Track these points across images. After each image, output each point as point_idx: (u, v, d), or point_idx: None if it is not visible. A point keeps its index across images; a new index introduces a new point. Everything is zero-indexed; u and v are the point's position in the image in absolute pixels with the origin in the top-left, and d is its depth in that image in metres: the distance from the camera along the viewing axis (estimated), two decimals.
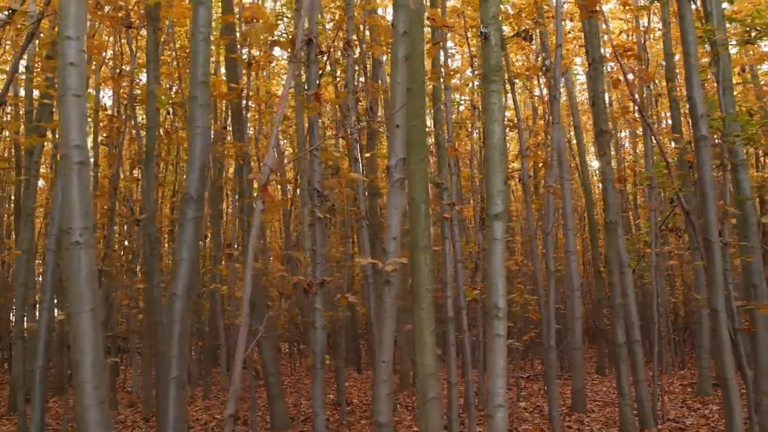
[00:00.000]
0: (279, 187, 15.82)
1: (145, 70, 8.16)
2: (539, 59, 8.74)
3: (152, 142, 6.84)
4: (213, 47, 10.66)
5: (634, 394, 7.32)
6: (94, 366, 3.29)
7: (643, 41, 10.19)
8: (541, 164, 10.79)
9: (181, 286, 3.83)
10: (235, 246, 8.80)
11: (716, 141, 6.04)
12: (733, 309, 5.05)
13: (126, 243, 13.96)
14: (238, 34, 8.53)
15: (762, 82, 15.92)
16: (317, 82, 10.26)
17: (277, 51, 16.47)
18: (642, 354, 7.23)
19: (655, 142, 8.52)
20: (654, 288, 7.90)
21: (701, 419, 7.79)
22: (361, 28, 9.71)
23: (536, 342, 13.28)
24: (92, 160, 13.22)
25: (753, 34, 5.35)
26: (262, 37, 4.57)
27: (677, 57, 9.93)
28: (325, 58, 8.99)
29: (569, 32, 12.48)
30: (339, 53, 10.33)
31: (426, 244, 3.37)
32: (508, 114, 12.02)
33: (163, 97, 7.03)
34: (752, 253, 5.71)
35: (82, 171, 3.45)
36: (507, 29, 10.90)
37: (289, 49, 3.96)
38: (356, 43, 9.31)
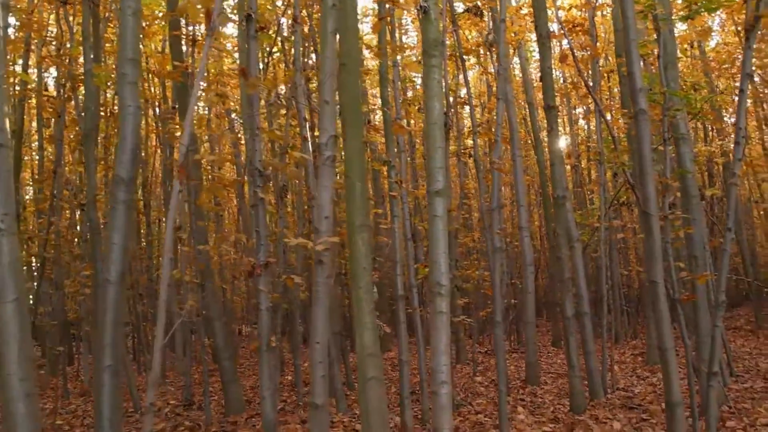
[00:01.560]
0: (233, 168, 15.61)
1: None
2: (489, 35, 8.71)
3: (91, 123, 6.61)
4: (161, 24, 10.37)
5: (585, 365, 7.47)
6: (20, 358, 3.18)
7: (593, 17, 10.22)
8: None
9: (114, 272, 3.72)
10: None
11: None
12: (674, 280, 5.15)
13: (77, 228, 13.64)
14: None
15: (710, 58, 16.21)
16: (266, 60, 10.05)
17: (230, 28, 16.11)
18: (591, 326, 7.34)
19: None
20: (603, 261, 8.01)
21: (648, 387, 7.96)
22: (313, 4, 9.53)
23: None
24: (38, 143, 12.84)
25: (693, 8, 5.38)
26: (199, 8, 4.39)
27: None
28: (272, 34, 8.81)
29: (521, 7, 12.47)
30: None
31: (363, 222, 3.32)
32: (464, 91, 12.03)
33: (102, 75, 6.76)
34: (694, 225, 5.81)
35: (2, 154, 3.29)
36: (459, 5, 10.84)
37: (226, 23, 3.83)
38: (305, 19, 9.13)
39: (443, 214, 4.06)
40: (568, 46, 6.39)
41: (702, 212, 6.57)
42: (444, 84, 7.16)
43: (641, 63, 4.66)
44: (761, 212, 20.54)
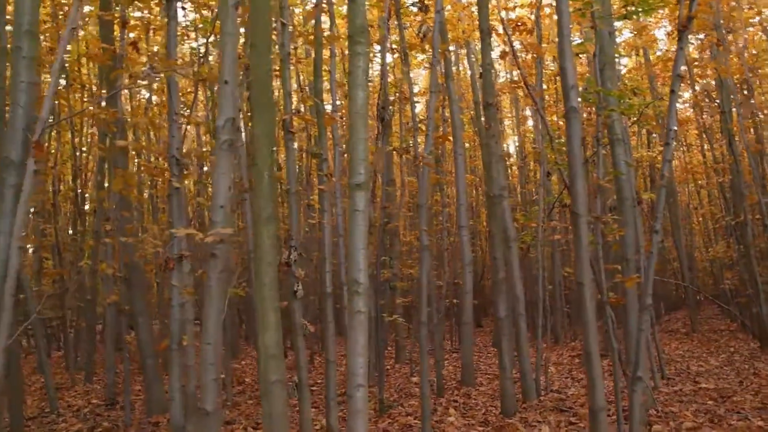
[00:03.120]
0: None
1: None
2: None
3: None
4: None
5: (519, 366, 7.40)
6: None
7: (538, 16, 10.18)
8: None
9: None
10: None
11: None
12: (602, 283, 5.07)
13: None
14: None
15: (654, 64, 16.44)
16: (206, 48, 9.67)
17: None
18: (526, 328, 7.26)
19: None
20: (540, 263, 7.94)
21: (582, 389, 7.93)
22: None
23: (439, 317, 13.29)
24: None
25: (629, 9, 5.31)
26: None
27: None
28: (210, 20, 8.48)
29: (472, 5, 12.38)
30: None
31: (270, 215, 3.10)
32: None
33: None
34: (626, 227, 5.75)
35: None
36: None
37: None
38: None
39: (364, 208, 3.87)
40: (509, 43, 6.28)
41: (637, 215, 6.54)
42: (386, 77, 6.97)
43: (574, 63, 4.55)
44: (700, 218, 21.01)
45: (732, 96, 12.03)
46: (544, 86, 12.11)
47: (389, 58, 13.16)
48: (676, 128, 4.49)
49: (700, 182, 19.25)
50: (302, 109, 10.50)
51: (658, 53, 17.86)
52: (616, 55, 7.01)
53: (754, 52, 14.86)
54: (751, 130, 13.52)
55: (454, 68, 14.11)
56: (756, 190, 11.06)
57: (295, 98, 10.35)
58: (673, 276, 18.82)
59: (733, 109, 12.09)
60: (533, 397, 7.31)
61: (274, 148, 4.07)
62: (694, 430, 5.62)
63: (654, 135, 17.78)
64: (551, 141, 6.38)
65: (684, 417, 6.11)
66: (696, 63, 14.48)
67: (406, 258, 13.64)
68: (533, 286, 13.06)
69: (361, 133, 3.87)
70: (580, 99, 4.72)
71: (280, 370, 3.13)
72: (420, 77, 20.06)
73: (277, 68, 5.79)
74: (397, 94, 9.97)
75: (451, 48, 13.33)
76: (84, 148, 13.02)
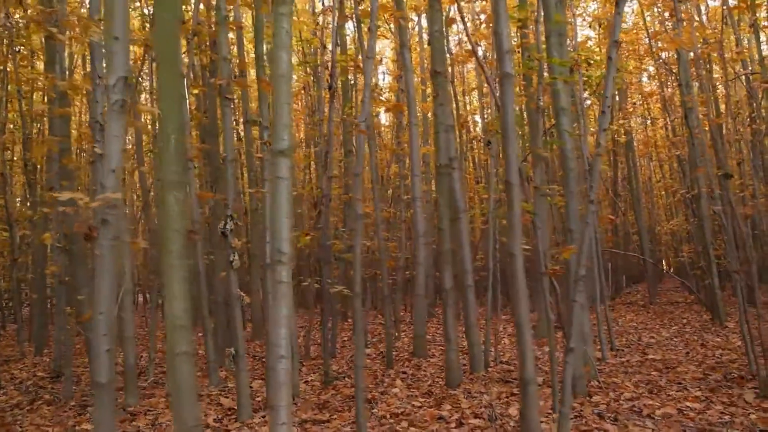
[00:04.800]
0: None
1: None
2: None
3: None
4: None
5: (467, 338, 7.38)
6: None
7: None
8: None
9: None
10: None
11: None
12: (541, 253, 5.03)
13: None
14: None
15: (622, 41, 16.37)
16: None
17: None
18: (474, 299, 7.23)
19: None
20: (491, 233, 7.89)
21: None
22: None
23: (394, 288, 13.26)
24: None
25: None
26: None
27: None
28: None
29: None
30: None
31: (176, 179, 2.95)
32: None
33: None
34: (570, 198, 5.71)
35: None
36: None
37: None
38: None
39: (287, 175, 3.74)
40: (459, 11, 6.14)
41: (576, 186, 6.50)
42: (335, 45, 6.79)
43: (509, 27, 4.42)
44: (663, 192, 21.23)
45: (692, 69, 12.01)
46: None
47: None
48: (611, 96, 4.40)
49: (662, 155, 19.40)
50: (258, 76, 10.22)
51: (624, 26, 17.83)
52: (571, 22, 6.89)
53: (713, 25, 14.88)
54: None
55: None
56: (711, 163, 11.13)
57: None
58: (635, 249, 19.01)
59: (695, 84, 12.11)
60: (481, 369, 7.31)
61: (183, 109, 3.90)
62: (632, 401, 5.64)
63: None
64: (498, 109, 6.29)
65: (624, 388, 6.15)
66: (658, 36, 14.45)
67: (368, 230, 13.55)
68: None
69: (284, 98, 3.72)
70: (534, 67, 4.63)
71: (188, 341, 3.01)
72: (388, 48, 19.80)
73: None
74: (352, 64, 9.76)
75: (414, 17, 13.14)
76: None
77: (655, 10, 15.17)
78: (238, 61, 8.06)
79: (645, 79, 19.72)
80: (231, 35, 11.02)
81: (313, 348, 9.54)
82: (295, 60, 13.19)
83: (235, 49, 10.09)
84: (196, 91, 8.45)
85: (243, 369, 5.61)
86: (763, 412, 5.15)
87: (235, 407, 5.86)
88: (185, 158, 3.77)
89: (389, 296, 8.83)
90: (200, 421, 3.27)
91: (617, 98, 16.94)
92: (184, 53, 7.69)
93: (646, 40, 15.22)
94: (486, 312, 8.00)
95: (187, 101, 6.69)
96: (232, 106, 5.43)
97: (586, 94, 13.06)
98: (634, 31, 17.13)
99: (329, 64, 8.92)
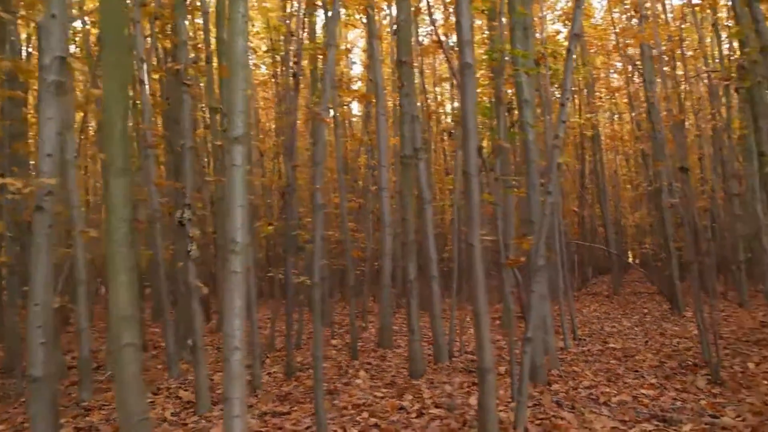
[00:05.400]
0: None
1: None
2: None
3: None
4: None
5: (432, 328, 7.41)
6: None
7: None
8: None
9: None
10: None
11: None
12: (502, 244, 5.05)
13: None
14: None
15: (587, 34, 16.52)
16: None
17: None
18: (438, 290, 7.25)
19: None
20: (455, 224, 7.91)
21: (496, 350, 8.02)
22: None
23: (361, 279, 13.24)
24: None
25: None
26: None
27: None
28: None
29: None
30: None
31: (123, 166, 2.89)
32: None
33: None
34: (531, 189, 5.74)
35: None
36: None
37: None
38: None
39: (242, 163, 3.70)
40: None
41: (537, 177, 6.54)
42: (300, 32, 6.72)
43: (471, 17, 4.42)
44: (628, 186, 21.54)
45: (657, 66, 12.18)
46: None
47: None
48: (570, 89, 4.44)
49: (627, 150, 19.67)
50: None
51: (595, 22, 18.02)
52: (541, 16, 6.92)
53: (678, 24, 15.08)
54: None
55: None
56: (674, 157, 11.32)
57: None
58: (601, 241, 19.26)
59: (658, 80, 12.27)
60: (445, 359, 7.36)
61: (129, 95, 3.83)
62: (590, 389, 5.73)
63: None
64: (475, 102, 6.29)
65: (584, 377, 6.24)
66: (624, 33, 14.60)
67: (332, 220, 13.51)
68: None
69: (240, 84, 3.71)
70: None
71: (133, 332, 2.97)
72: (361, 39, 19.70)
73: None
74: (321, 52, 9.68)
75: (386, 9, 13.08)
76: None
77: (623, 6, 15.33)
78: (204, 46, 7.96)
79: (613, 75, 19.98)
80: (199, 21, 10.86)
81: (280, 339, 9.50)
82: (263, 47, 13.07)
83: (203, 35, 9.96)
84: (157, 76, 8.30)
85: (201, 361, 5.56)
86: (713, 397, 5.27)
87: (194, 400, 5.80)
88: (128, 145, 3.70)
89: (354, 287, 8.82)
90: (147, 413, 3.22)
91: (585, 93, 17.12)
92: (147, 37, 7.56)
93: (614, 36, 15.40)
94: (453, 302, 8.03)
95: (147, 86, 6.56)
96: (198, 91, 5.35)
97: (554, 88, 13.18)
98: (603, 27, 17.31)
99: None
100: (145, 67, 6.67)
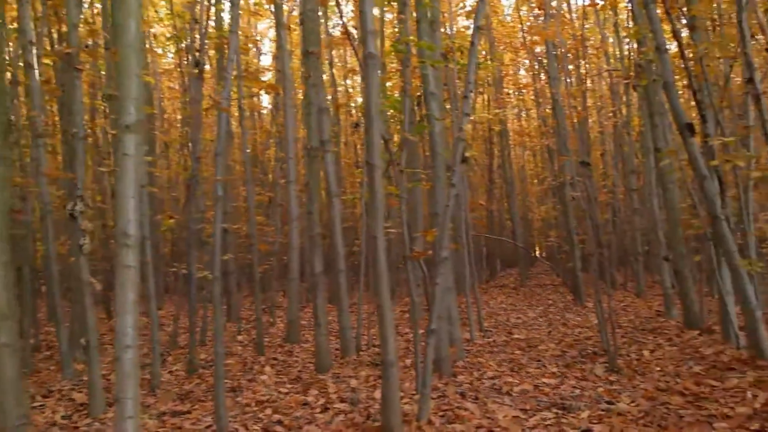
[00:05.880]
0: None
1: None
2: None
3: None
4: None
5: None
6: None
7: None
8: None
9: None
10: None
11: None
12: (407, 236, 5.05)
13: None
14: None
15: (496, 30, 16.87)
16: None
17: None
18: (345, 283, 7.20)
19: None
20: (364, 217, 7.87)
21: (404, 343, 8.07)
22: None
23: (269, 274, 13.03)
24: None
25: None
26: None
27: None
28: None
29: None
30: None
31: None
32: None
33: None
34: (436, 182, 5.77)
35: None
36: None
37: None
38: None
39: (135, 152, 3.51)
40: None
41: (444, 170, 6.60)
42: (202, 20, 6.48)
43: (373, 6, 4.37)
44: (535, 180, 22.23)
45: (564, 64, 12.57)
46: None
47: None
48: (474, 81, 4.47)
49: (535, 145, 20.28)
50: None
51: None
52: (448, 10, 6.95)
53: (582, 24, 15.62)
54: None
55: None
56: (578, 153, 11.72)
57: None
58: (509, 235, 19.79)
59: (564, 78, 12.68)
60: (352, 353, 7.32)
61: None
62: (494, 379, 5.82)
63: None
64: (386, 95, 6.27)
65: (488, 367, 6.34)
66: (531, 31, 15.01)
67: (242, 213, 13.22)
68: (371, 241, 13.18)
69: (132, 69, 3.50)
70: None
71: (11, 332, 2.75)
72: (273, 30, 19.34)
73: None
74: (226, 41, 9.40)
75: None
76: None
77: (530, 5, 15.75)
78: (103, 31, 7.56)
79: (521, 71, 20.54)
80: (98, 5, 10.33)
81: (184, 336, 9.21)
82: (167, 34, 12.60)
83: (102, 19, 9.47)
84: (47, 61, 7.82)
85: (95, 361, 5.28)
86: (610, 384, 5.47)
87: (88, 402, 5.50)
88: (21, 132, 3.44)
89: (261, 281, 8.64)
90: (27, 418, 3.00)
91: (493, 89, 17.50)
92: (37, 19, 7.11)
93: (521, 34, 15.80)
94: (366, 297, 8.00)
95: (37, 71, 6.16)
96: (96, 79, 5.04)
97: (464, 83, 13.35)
98: (511, 24, 17.75)
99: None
100: (34, 51, 6.25)
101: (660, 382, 5.39)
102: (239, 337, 9.29)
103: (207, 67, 12.70)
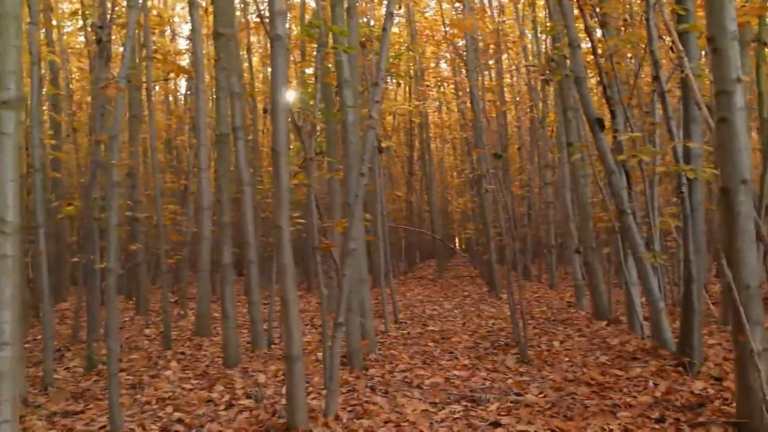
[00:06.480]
0: None
1: None
2: None
3: None
4: None
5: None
6: None
7: None
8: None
9: None
10: None
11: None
12: (314, 227, 4.91)
13: None
14: None
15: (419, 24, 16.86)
16: None
17: None
18: (256, 275, 6.98)
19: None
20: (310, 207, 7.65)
21: (318, 336, 7.91)
22: None
23: (181, 265, 12.58)
24: None
25: None
26: None
27: None
28: None
29: None
30: None
31: None
32: None
33: None
34: (348, 171, 5.65)
35: None
36: None
37: None
38: None
39: (13, 131, 3.23)
40: None
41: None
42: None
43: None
44: (455, 173, 22.47)
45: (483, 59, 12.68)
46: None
47: None
48: (385, 68, 4.36)
49: (455, 138, 20.48)
50: None
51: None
52: None
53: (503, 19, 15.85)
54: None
55: None
56: (496, 146, 11.89)
57: None
58: (428, 227, 19.93)
59: (485, 72, 12.82)
60: (263, 346, 7.12)
61: None
62: (405, 372, 5.76)
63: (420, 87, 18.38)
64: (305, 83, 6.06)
65: (401, 360, 6.29)
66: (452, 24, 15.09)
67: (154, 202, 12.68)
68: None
69: (12, 40, 3.22)
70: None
71: None
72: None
73: None
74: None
75: None
76: None
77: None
78: None
79: (443, 64, 20.68)
80: None
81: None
82: (71, 9, 11.92)
83: None
84: None
85: None
86: (520, 375, 5.51)
87: None
88: None
89: (169, 272, 8.30)
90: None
91: (414, 81, 17.53)
92: None
93: (444, 27, 15.87)
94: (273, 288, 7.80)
95: None
96: None
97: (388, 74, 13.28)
98: (434, 18, 17.81)
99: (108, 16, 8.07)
100: None
101: (568, 373, 5.47)
102: (147, 331, 8.91)
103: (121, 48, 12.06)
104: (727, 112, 3.62)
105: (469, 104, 13.87)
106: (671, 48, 5.71)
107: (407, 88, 18.30)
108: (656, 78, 5.66)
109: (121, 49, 4.94)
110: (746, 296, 3.56)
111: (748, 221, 3.57)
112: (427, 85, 18.37)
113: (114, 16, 7.17)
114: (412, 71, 17.06)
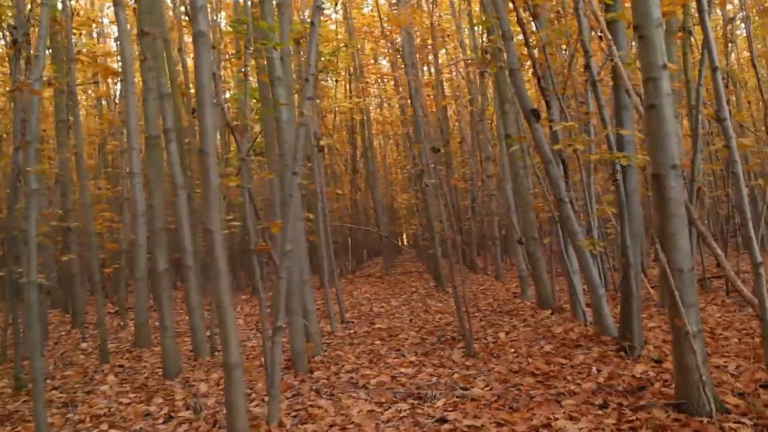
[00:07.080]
0: None
1: None
2: None
3: None
4: None
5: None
6: None
7: None
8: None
9: None
10: None
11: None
12: (251, 229, 4.76)
13: None
14: None
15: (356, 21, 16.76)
16: None
17: None
18: (195, 281, 6.77)
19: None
20: (246, 212, 7.44)
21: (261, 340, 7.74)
22: None
23: (119, 274, 12.17)
24: None
25: None
26: None
27: None
28: None
29: None
30: None
31: None
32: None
33: None
34: (284, 171, 5.50)
35: None
36: None
37: None
38: None
39: None
40: None
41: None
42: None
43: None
44: (398, 169, 22.48)
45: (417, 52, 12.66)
46: None
47: None
48: (315, 64, 4.24)
49: (397, 134, 20.47)
50: None
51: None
52: None
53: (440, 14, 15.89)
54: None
55: None
56: (434, 140, 11.88)
57: None
58: (374, 224, 19.86)
59: (424, 67, 12.80)
60: (206, 354, 6.92)
61: None
62: (351, 373, 5.67)
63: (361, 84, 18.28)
64: (245, 75, 5.88)
65: (347, 360, 6.18)
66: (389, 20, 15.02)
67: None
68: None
69: None
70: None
71: None
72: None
73: None
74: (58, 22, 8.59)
75: None
76: None
77: None
78: None
79: (383, 61, 20.64)
80: None
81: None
82: None
83: None
84: None
85: None
86: (466, 369, 5.47)
87: None
88: None
89: (104, 282, 7.97)
90: None
91: (353, 78, 17.42)
92: None
93: (381, 23, 15.80)
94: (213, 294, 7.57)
95: None
96: None
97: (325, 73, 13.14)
98: (372, 15, 17.73)
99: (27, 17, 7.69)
100: None
101: (513, 364, 5.46)
102: (83, 345, 8.55)
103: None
104: (655, 99, 3.65)
105: (409, 100, 13.86)
106: (600, 37, 5.76)
107: (347, 86, 18.18)
108: (588, 67, 5.71)
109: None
110: (680, 279, 3.59)
111: (679, 206, 3.60)
112: (367, 82, 18.30)
113: (30, 15, 6.81)
114: (351, 68, 16.95)
